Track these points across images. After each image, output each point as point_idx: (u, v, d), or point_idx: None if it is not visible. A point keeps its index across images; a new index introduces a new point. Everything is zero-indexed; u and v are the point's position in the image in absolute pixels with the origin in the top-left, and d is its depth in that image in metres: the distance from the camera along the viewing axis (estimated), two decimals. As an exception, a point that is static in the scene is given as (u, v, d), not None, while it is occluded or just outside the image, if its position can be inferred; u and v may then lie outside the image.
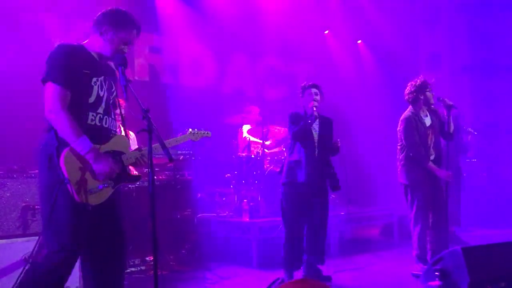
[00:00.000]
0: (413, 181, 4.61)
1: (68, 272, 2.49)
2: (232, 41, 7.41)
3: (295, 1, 7.94)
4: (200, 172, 5.40)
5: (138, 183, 4.60)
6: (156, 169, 5.13)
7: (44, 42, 5.08)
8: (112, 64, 2.73)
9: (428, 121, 4.68)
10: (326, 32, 8.69)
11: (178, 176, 4.92)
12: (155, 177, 4.85)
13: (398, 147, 4.76)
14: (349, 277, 4.56)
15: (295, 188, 4.22)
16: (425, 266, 4.10)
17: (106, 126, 2.60)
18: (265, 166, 5.93)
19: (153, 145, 2.46)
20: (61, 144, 2.42)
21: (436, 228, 4.56)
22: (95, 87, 2.54)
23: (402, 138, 4.66)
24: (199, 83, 7.35)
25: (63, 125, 2.40)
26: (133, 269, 4.68)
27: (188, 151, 4.83)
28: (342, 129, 7.68)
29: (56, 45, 2.54)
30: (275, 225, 5.16)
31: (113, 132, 2.67)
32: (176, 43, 7.03)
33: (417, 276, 4.27)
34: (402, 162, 4.68)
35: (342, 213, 6.01)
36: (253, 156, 5.89)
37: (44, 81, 2.47)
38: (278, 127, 6.47)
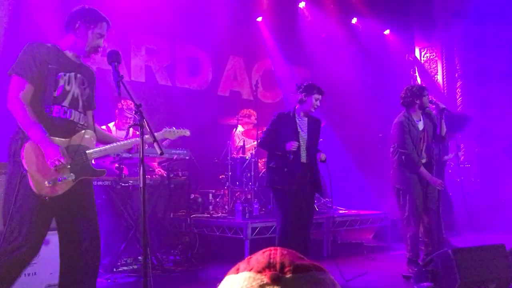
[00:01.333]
0: (405, 184, 4.63)
1: (25, 264, 2.61)
2: (228, 44, 7.44)
3: (292, 4, 8.01)
4: (194, 173, 5.41)
5: (131, 181, 4.62)
6: (150, 168, 5.15)
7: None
8: (88, 64, 2.88)
9: (421, 125, 4.71)
10: (323, 35, 8.75)
11: (172, 175, 4.92)
12: (149, 176, 4.89)
13: (391, 150, 4.79)
14: (342, 279, 4.57)
15: (285, 191, 4.23)
16: (416, 268, 4.13)
17: (71, 119, 2.69)
18: (259, 168, 5.95)
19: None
20: (25, 137, 2.52)
21: (428, 231, 4.59)
22: (61, 81, 2.64)
23: (395, 142, 4.69)
24: (195, 85, 7.38)
25: (20, 115, 2.51)
26: (125, 268, 4.68)
27: (182, 151, 4.83)
28: (336, 132, 7.75)
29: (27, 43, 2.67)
30: (268, 226, 5.17)
31: (79, 125, 2.74)
32: (173, 45, 7.06)
33: (408, 277, 4.30)
34: (394, 166, 4.71)
35: (335, 216, 6.03)
36: (247, 158, 5.91)
37: (9, 74, 2.60)
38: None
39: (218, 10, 7.09)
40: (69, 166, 2.60)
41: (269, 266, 0.63)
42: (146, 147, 2.58)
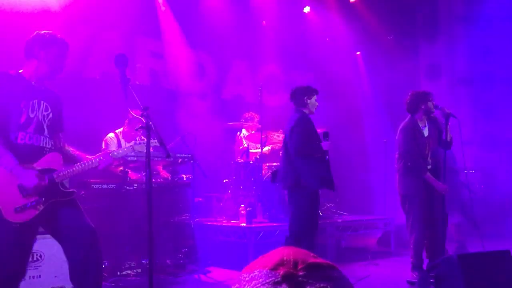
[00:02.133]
0: (410, 190, 4.61)
1: (15, 285, 2.63)
2: (232, 49, 7.47)
3: (296, 9, 8.04)
4: (198, 177, 5.41)
5: (135, 185, 4.63)
6: (153, 172, 5.16)
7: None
8: (50, 89, 2.90)
9: (426, 131, 4.69)
10: (327, 39, 8.77)
11: (176, 179, 4.93)
12: (153, 180, 4.89)
13: (396, 156, 4.77)
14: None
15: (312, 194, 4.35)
16: (421, 274, 4.12)
17: (37, 144, 2.73)
18: (263, 172, 5.95)
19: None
20: None
21: (433, 237, 4.57)
22: (24, 109, 2.68)
23: (401, 148, 4.67)
24: (199, 88, 7.40)
25: None
26: (129, 271, 4.68)
27: (187, 155, 4.84)
28: (342, 137, 7.75)
29: None
30: (271, 230, 5.17)
31: (47, 149, 2.77)
32: (177, 49, 7.09)
33: (412, 283, 4.28)
34: (400, 172, 4.69)
35: (339, 221, 6.02)
36: (251, 162, 5.91)
37: None
38: (277, 133, 6.50)
39: (223, 14, 7.12)
40: (37, 191, 2.63)
41: (283, 263, 0.63)
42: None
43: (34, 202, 2.61)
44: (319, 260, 0.65)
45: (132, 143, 3.04)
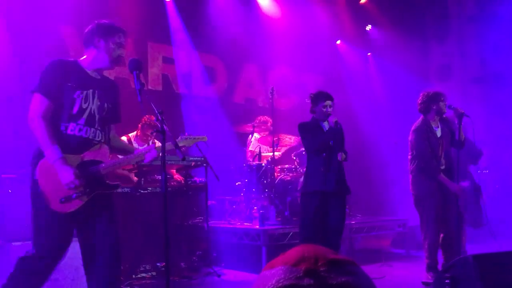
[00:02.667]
0: (424, 192, 4.59)
1: (45, 278, 2.66)
2: (243, 52, 7.52)
3: (306, 12, 8.06)
4: (211, 180, 5.45)
5: (149, 189, 4.68)
6: (168, 175, 5.21)
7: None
8: (109, 80, 2.91)
9: (439, 132, 4.67)
10: (338, 42, 8.77)
11: (189, 182, 4.97)
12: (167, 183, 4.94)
13: (409, 157, 4.76)
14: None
15: (315, 197, 4.22)
16: (436, 275, 4.09)
17: (87, 136, 2.73)
18: (275, 175, 5.97)
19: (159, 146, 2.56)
20: (41, 154, 2.60)
21: (447, 239, 4.54)
22: (78, 100, 2.69)
23: (413, 148, 4.66)
24: (211, 92, 7.46)
25: (38, 133, 2.58)
26: (144, 274, 4.73)
27: (200, 158, 4.89)
28: (354, 139, 7.73)
29: (49, 61, 2.73)
30: (285, 233, 5.18)
31: (95, 142, 2.78)
32: (189, 54, 7.16)
33: (427, 284, 4.26)
34: (413, 173, 4.67)
35: (353, 222, 6.01)
36: (263, 165, 5.93)
37: (32, 92, 2.67)
38: (289, 136, 6.52)
39: (233, 17, 7.18)
40: (83, 182, 2.65)
41: (304, 260, 0.65)
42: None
43: (80, 193, 2.62)
44: (339, 256, 0.68)
45: (180, 137, 3.05)
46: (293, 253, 0.68)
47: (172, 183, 5.07)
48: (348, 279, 0.63)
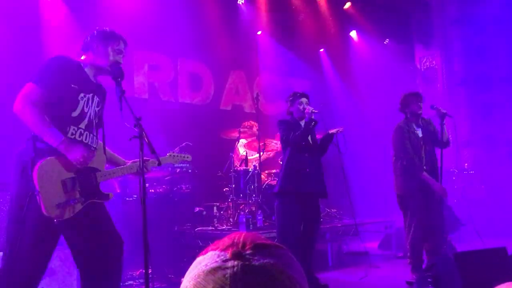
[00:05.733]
0: (407, 191, 4.65)
1: (34, 285, 2.52)
2: (230, 59, 7.58)
3: (291, 18, 8.16)
4: (198, 186, 5.48)
5: (135, 196, 4.70)
6: (154, 183, 5.23)
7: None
8: (102, 86, 2.84)
9: (420, 132, 4.74)
10: (321, 50, 8.88)
11: (175, 189, 5.00)
12: (152, 190, 4.97)
13: (392, 156, 4.82)
14: (347, 286, 4.60)
15: (295, 199, 4.22)
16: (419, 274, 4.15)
17: (86, 141, 2.66)
18: (262, 180, 6.01)
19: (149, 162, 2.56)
20: (38, 155, 2.45)
21: (430, 238, 4.59)
22: (81, 102, 2.61)
23: (395, 147, 4.72)
24: (198, 100, 7.50)
25: (31, 119, 2.43)
26: (131, 282, 4.73)
27: (185, 165, 4.92)
28: (339, 142, 7.79)
29: (53, 56, 2.66)
30: (272, 237, 5.21)
31: (93, 149, 2.70)
32: (175, 61, 7.21)
33: (411, 283, 4.30)
34: (396, 173, 4.73)
35: (339, 225, 6.05)
36: (250, 170, 5.97)
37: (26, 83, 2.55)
38: (275, 141, 6.57)
39: (219, 25, 7.24)
40: (79, 189, 2.55)
41: (232, 245, 0.70)
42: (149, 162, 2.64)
43: (76, 200, 2.52)
44: (269, 241, 0.72)
45: (169, 153, 3.06)
46: (224, 240, 0.72)
47: (158, 190, 5.09)
48: (271, 261, 0.68)
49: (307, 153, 4.27)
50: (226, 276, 0.66)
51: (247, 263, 0.67)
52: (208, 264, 0.69)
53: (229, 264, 0.67)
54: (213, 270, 0.67)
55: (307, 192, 4.21)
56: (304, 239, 4.31)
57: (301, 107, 4.31)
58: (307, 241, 4.30)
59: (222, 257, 0.68)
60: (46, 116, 2.48)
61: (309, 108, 4.22)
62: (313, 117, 4.20)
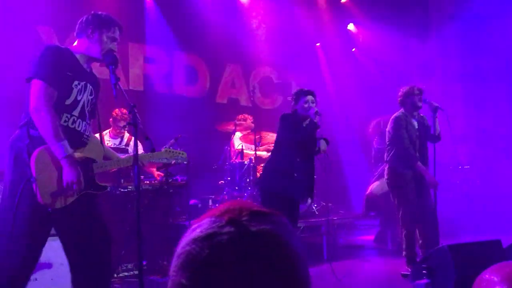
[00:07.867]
0: (399, 182, 4.66)
1: (27, 273, 2.50)
2: (226, 52, 7.54)
3: (288, 14, 8.13)
4: (193, 179, 5.45)
5: (130, 187, 4.67)
6: (148, 174, 5.20)
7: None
8: (95, 75, 2.81)
9: (416, 125, 4.76)
10: (318, 44, 8.86)
11: (170, 181, 4.97)
12: (147, 182, 4.94)
13: (387, 146, 4.82)
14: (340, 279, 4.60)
15: (282, 202, 4.00)
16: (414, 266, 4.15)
17: (79, 129, 2.63)
18: (258, 173, 5.99)
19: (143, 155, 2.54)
20: (33, 141, 2.43)
21: (424, 229, 4.61)
22: (75, 90, 2.58)
23: (392, 136, 4.73)
24: (194, 92, 7.47)
25: (46, 125, 2.41)
26: (126, 273, 4.72)
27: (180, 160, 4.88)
28: (335, 136, 7.80)
29: (44, 46, 2.63)
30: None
31: (85, 137, 2.68)
32: (171, 54, 7.16)
33: (406, 275, 4.32)
34: (389, 163, 4.75)
35: (335, 219, 6.05)
36: (246, 163, 5.96)
37: (29, 79, 2.51)
38: (271, 134, 6.55)
39: (215, 17, 7.20)
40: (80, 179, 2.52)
41: (228, 211, 0.68)
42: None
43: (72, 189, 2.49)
44: (265, 209, 0.71)
45: (164, 148, 3.03)
46: (220, 207, 0.71)
47: (153, 182, 5.06)
48: (268, 227, 0.66)
49: (299, 158, 4.04)
50: (223, 242, 0.64)
51: (243, 229, 0.65)
52: (204, 230, 0.67)
53: (226, 229, 0.66)
54: (209, 236, 0.66)
55: (289, 198, 4.01)
56: None
57: (306, 106, 4.04)
58: None
59: (218, 223, 0.67)
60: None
61: (314, 109, 3.99)
62: (316, 120, 3.98)
